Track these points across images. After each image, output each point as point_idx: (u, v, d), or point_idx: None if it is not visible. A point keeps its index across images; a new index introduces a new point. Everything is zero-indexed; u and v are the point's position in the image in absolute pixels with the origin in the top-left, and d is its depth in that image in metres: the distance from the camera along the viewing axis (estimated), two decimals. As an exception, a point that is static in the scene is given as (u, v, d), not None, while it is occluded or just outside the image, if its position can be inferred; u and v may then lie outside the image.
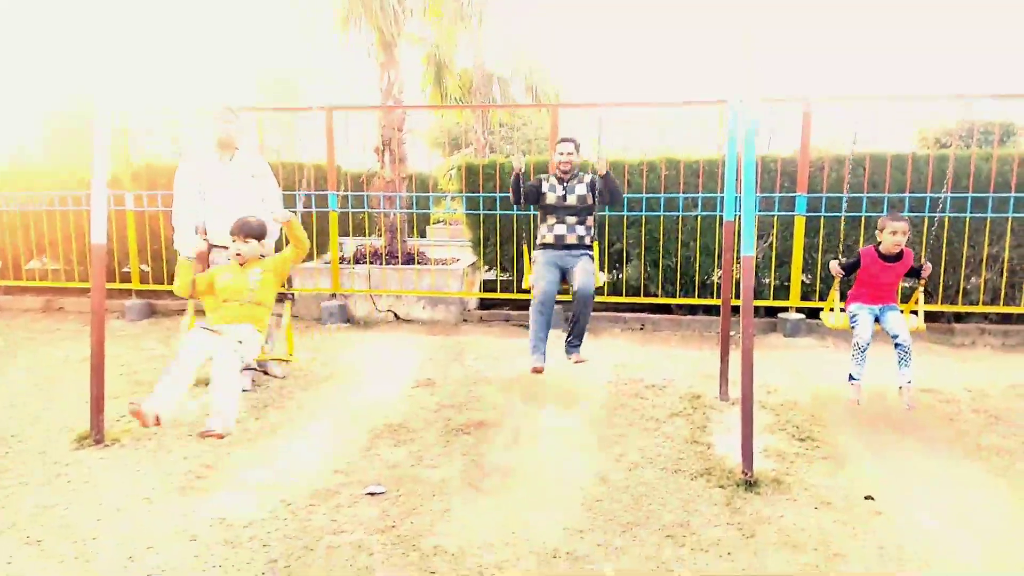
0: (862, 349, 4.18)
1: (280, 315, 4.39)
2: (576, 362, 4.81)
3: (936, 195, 6.18)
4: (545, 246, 4.99)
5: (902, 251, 4.33)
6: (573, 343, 4.87)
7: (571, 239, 4.94)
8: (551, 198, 4.98)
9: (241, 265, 4.05)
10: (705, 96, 8.44)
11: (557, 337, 5.08)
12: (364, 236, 9.21)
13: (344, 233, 7.42)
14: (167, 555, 2.78)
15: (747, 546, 2.83)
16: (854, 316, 4.35)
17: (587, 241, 4.99)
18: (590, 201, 4.97)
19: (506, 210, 6.97)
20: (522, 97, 15.69)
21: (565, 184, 4.99)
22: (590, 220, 5.02)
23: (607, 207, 5.13)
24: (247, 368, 4.81)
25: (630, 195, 6.74)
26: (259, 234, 4.10)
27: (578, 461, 3.68)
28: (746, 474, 3.35)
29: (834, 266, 4.52)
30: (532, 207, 5.23)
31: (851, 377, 4.20)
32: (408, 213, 8.07)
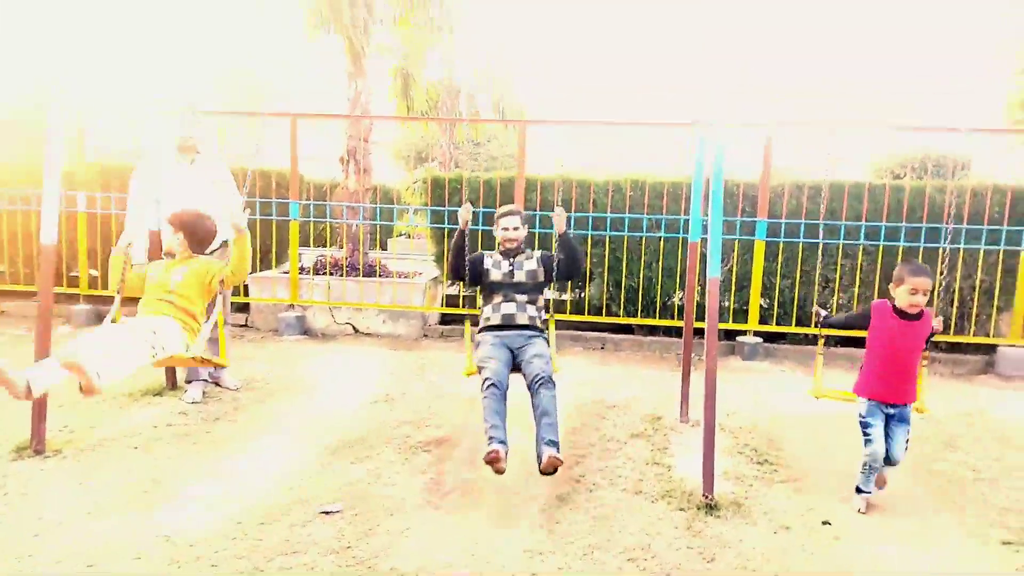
0: (874, 469, 3.42)
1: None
2: (550, 466, 3.34)
3: (895, 225, 6.36)
4: (490, 328, 4.07)
5: (921, 311, 3.41)
6: (546, 438, 3.49)
7: (521, 319, 4.06)
8: (495, 275, 4.16)
9: (172, 258, 3.88)
10: (673, 118, 8.56)
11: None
12: (325, 247, 9.07)
13: (304, 243, 7.29)
14: (109, 574, 2.64)
15: (708, 570, 2.82)
16: (867, 426, 3.42)
17: (539, 324, 4.12)
18: (541, 277, 4.18)
19: (472, 225, 6.93)
20: (488, 113, 15.73)
21: (512, 260, 4.20)
22: (542, 299, 4.23)
23: (561, 278, 4.20)
24: (197, 379, 4.69)
25: (595, 214, 6.78)
26: (193, 230, 3.86)
27: (539, 481, 3.62)
28: (707, 497, 3.35)
29: (822, 316, 3.71)
30: (468, 284, 4.26)
31: (859, 490, 3.45)
32: (371, 225, 7.97)
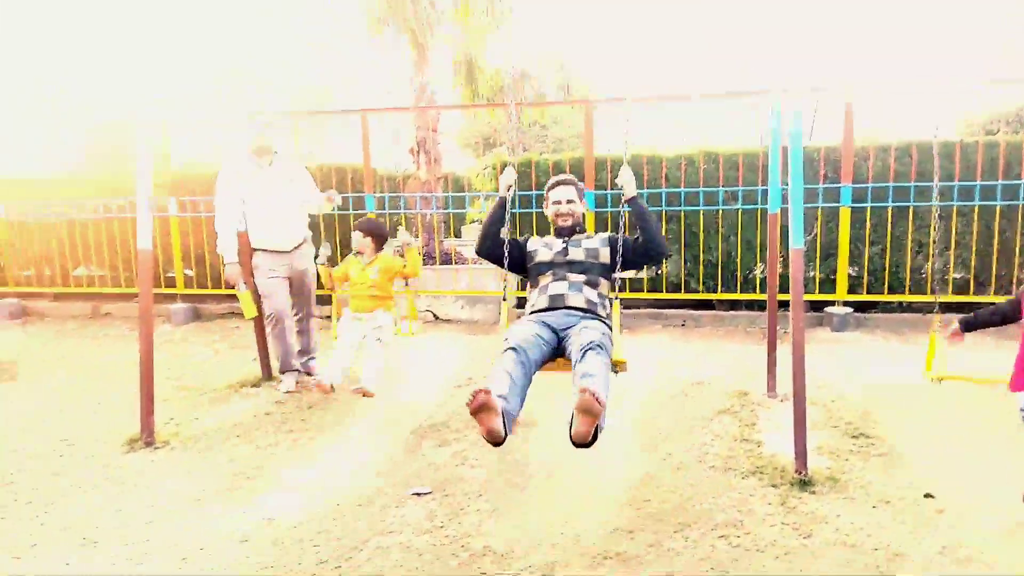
0: None
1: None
2: (585, 403, 2.44)
3: (990, 183, 5.98)
4: (535, 311, 3.28)
5: None
6: (585, 373, 2.73)
7: (575, 300, 3.22)
8: (543, 255, 3.44)
9: (362, 256, 4.71)
10: (746, 87, 8.29)
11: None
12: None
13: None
14: (219, 556, 2.80)
15: (804, 546, 2.75)
16: None
17: (600, 311, 3.25)
18: (606, 258, 3.38)
19: (542, 207, 6.91)
20: (554, 95, 15.63)
21: (567, 239, 3.48)
22: (606, 285, 3.35)
23: (640, 258, 3.41)
24: (290, 370, 4.88)
25: (668, 190, 6.65)
26: (378, 234, 4.73)
27: (624, 460, 3.62)
28: (800, 472, 3.26)
29: (960, 325, 3.24)
30: (508, 267, 3.47)
31: None
32: (444, 213, 8.07)
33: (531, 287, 3.48)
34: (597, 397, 2.44)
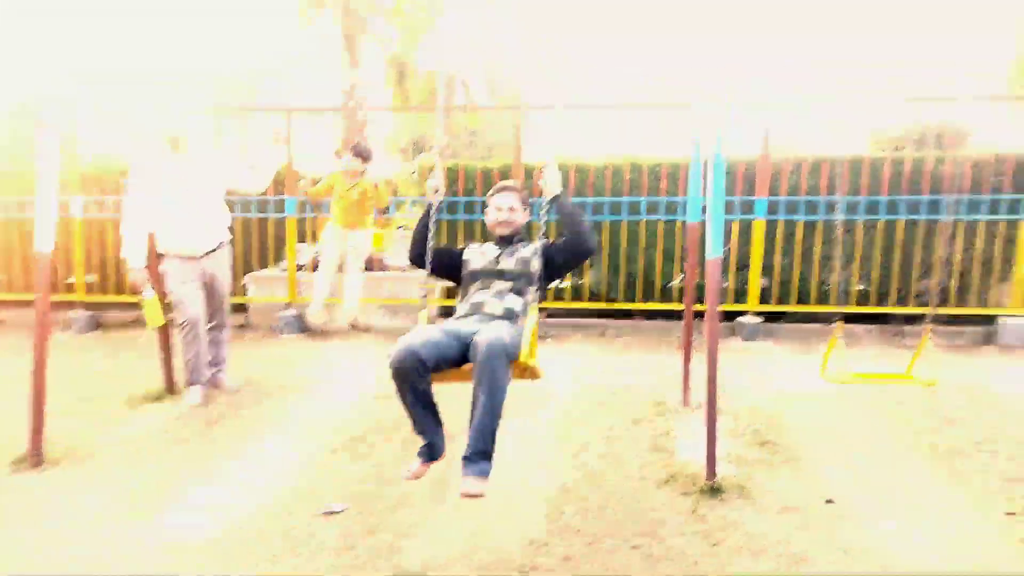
0: None
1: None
2: (470, 494, 2.67)
3: (895, 198, 6.31)
4: (455, 317, 3.22)
5: None
6: (473, 454, 2.73)
7: (494, 307, 3.13)
8: (476, 263, 3.35)
9: (348, 179, 5.33)
10: (671, 98, 8.48)
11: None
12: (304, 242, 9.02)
13: (302, 239, 7.26)
14: (112, 583, 2.64)
15: (713, 554, 2.81)
16: None
17: (518, 322, 3.11)
18: (536, 267, 3.21)
19: (471, 214, 6.90)
20: (485, 102, 15.65)
21: (501, 248, 3.37)
22: (531, 294, 3.16)
23: (569, 259, 3.33)
24: (197, 383, 4.67)
25: (593, 199, 6.73)
26: (367, 156, 5.38)
27: (542, 470, 3.63)
28: (710, 480, 3.34)
29: None
30: (439, 275, 3.47)
31: None
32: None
33: (460, 294, 3.40)
34: (480, 487, 2.66)
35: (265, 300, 7.12)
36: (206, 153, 4.77)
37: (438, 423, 3.05)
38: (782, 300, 6.71)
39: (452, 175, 7.02)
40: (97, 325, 7.18)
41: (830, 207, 6.40)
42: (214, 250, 4.71)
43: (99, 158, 8.26)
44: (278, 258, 7.61)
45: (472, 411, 2.74)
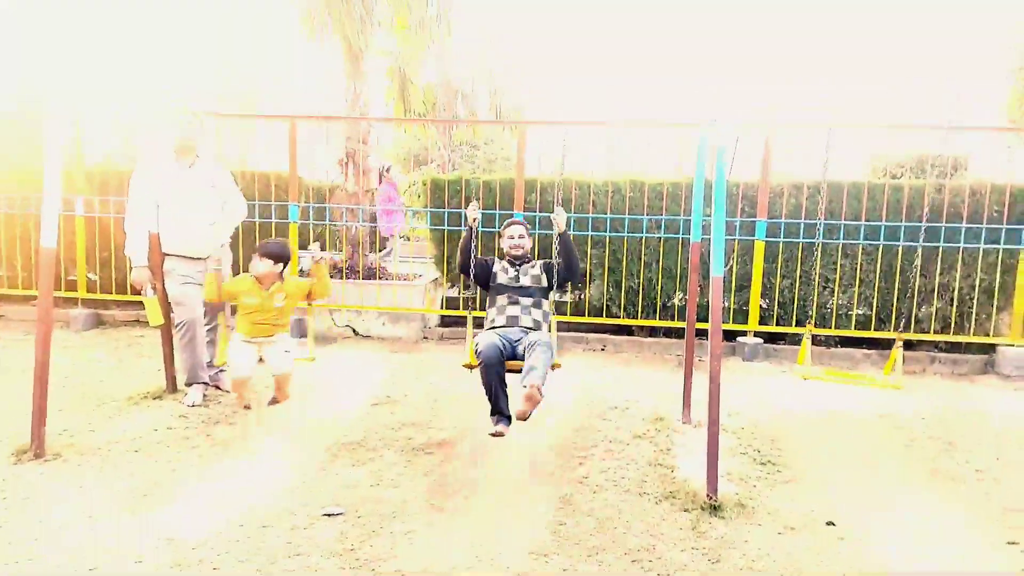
0: None
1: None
2: (529, 398, 3.64)
3: (894, 224, 6.35)
4: (494, 328, 4.20)
5: None
6: (531, 369, 3.81)
7: (526, 321, 4.20)
8: (502, 278, 4.40)
9: (261, 284, 4.19)
10: (674, 118, 8.56)
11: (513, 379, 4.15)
12: (324, 250, 9.03)
13: (304, 246, 7.26)
14: (110, 579, 2.63)
15: (713, 571, 2.81)
16: None
17: (543, 328, 4.26)
18: (545, 283, 4.39)
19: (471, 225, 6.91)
20: (486, 115, 15.72)
21: (517, 267, 4.44)
22: (546, 304, 4.39)
23: (560, 281, 4.35)
24: (197, 383, 4.67)
25: (595, 215, 6.77)
26: (285, 258, 4.25)
27: (542, 483, 3.62)
28: (711, 498, 3.34)
29: None
30: (478, 286, 4.51)
31: None
32: (370, 227, 7.95)
33: (489, 304, 4.41)
34: (539, 388, 3.67)
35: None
36: (210, 163, 4.80)
37: (507, 398, 3.93)
38: (782, 321, 6.73)
39: (454, 188, 7.05)
40: (98, 323, 7.15)
41: (829, 231, 6.44)
42: (216, 252, 4.73)
43: (102, 160, 8.27)
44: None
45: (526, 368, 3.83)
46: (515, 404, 3.77)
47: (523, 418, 3.66)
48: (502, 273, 4.43)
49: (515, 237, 4.52)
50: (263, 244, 4.26)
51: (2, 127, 7.67)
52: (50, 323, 3.78)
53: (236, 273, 5.05)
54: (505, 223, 4.68)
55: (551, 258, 4.38)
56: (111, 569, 2.69)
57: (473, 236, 4.34)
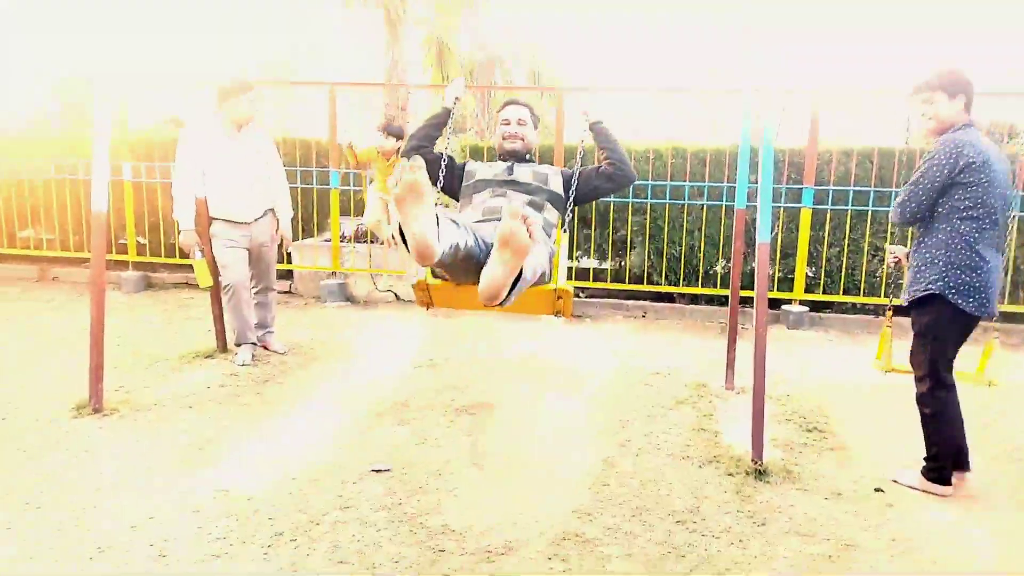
0: None
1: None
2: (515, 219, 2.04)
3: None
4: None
5: None
6: None
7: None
8: (483, 173, 3.08)
9: (384, 155, 5.79)
10: (719, 83, 8.36)
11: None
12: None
13: (345, 212, 7.32)
14: (169, 526, 2.72)
15: (759, 534, 2.80)
16: None
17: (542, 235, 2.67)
18: (558, 188, 3.07)
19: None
20: (523, 82, 15.57)
21: (513, 164, 3.14)
22: (552, 212, 3.02)
23: (613, 183, 3.15)
24: (246, 343, 4.78)
25: (636, 182, 6.67)
26: (400, 135, 5.75)
27: (583, 445, 3.64)
28: (756, 462, 3.32)
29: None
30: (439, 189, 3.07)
31: None
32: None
33: (462, 207, 3.00)
34: (530, 230, 2.00)
35: (311, 268, 7.21)
36: (256, 131, 4.84)
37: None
38: (828, 290, 6.60)
39: (492, 155, 7.00)
40: (148, 285, 7.34)
41: (880, 198, 6.26)
42: (261, 217, 4.81)
43: (147, 129, 8.40)
44: (321, 229, 7.70)
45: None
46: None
47: (491, 296, 2.12)
48: (484, 169, 3.09)
49: (511, 122, 3.16)
50: (387, 124, 5.91)
51: (66, 98, 7.84)
52: (103, 284, 3.89)
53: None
54: (503, 103, 3.28)
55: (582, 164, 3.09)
56: (168, 517, 2.78)
57: (447, 117, 3.15)
